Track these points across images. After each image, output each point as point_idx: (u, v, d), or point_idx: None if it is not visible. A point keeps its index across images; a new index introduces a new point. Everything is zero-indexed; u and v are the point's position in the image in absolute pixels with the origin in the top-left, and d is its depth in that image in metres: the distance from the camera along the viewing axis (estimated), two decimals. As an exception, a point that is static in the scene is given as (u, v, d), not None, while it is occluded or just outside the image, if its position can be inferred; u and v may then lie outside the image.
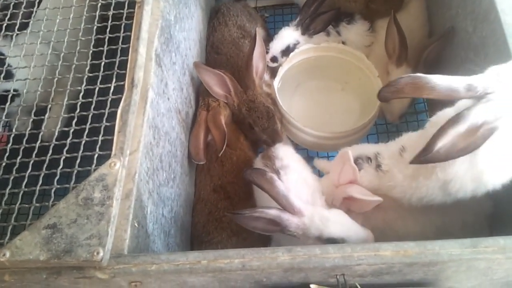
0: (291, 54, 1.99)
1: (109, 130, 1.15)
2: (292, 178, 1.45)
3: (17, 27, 1.38)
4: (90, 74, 1.28)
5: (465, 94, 1.11)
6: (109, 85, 1.22)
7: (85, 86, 1.25)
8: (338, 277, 1.03)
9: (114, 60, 1.27)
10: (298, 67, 2.03)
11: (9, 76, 1.35)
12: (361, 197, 1.35)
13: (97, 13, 1.39)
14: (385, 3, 2.00)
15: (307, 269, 1.00)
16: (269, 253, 1.00)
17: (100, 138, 1.15)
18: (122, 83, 1.22)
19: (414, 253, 0.98)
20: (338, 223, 1.28)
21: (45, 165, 1.14)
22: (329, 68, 2.02)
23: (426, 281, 1.07)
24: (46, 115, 1.30)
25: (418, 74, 1.15)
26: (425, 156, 1.11)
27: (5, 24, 1.40)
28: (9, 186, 1.12)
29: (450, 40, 1.70)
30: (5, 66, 1.36)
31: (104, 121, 1.17)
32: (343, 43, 2.03)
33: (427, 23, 1.96)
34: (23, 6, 1.42)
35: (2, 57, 1.44)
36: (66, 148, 1.15)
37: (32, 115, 1.26)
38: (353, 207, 1.40)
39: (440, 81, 1.12)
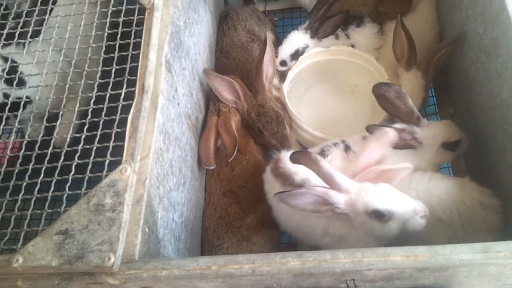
0: (300, 58, 1.99)
1: (120, 136, 1.16)
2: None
3: (29, 34, 1.40)
4: (101, 81, 1.29)
5: None
6: (120, 91, 1.23)
7: (96, 92, 1.26)
8: (348, 282, 1.03)
9: (124, 66, 1.28)
10: (307, 71, 2.04)
11: (21, 83, 1.37)
12: (393, 166, 1.37)
13: (108, 20, 1.40)
14: (394, 5, 1.99)
15: (317, 274, 1.00)
16: (279, 258, 1.00)
17: (111, 144, 1.16)
18: (132, 89, 1.22)
19: (424, 258, 0.97)
20: (383, 194, 1.27)
21: (57, 171, 1.15)
22: (339, 72, 2.02)
23: (438, 286, 1.06)
24: (58, 122, 1.31)
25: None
26: None
27: (18, 32, 1.41)
28: (22, 192, 1.13)
29: (460, 44, 1.69)
30: (17, 74, 1.38)
31: (115, 127, 1.18)
32: (352, 46, 2.03)
33: (436, 25, 1.95)
34: (35, 14, 1.43)
35: (14, 64, 1.46)
36: (77, 154, 1.16)
37: (44, 122, 1.27)
38: None
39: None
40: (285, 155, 1.57)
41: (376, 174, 1.39)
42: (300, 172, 1.48)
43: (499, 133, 1.45)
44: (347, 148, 1.60)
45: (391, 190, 1.29)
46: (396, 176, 1.38)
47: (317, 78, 2.04)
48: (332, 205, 1.28)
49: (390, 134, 1.45)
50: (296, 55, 1.98)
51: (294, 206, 1.29)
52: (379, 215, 1.26)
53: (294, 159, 1.35)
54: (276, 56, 1.95)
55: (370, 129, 1.56)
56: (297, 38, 1.99)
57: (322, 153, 1.62)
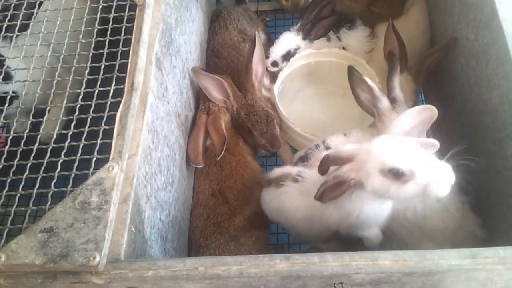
0: (292, 59, 1.99)
1: (108, 134, 1.15)
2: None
3: (17, 28, 1.37)
4: (90, 77, 1.27)
5: None
6: (109, 88, 1.21)
7: (85, 88, 1.24)
8: (336, 285, 1.02)
9: (114, 63, 1.26)
10: (298, 72, 2.03)
11: (8, 77, 1.34)
12: (420, 139, 1.23)
13: (98, 15, 1.38)
14: (386, 7, 1.99)
15: (305, 277, 1.00)
16: (267, 260, 0.99)
17: (99, 141, 1.14)
18: (121, 86, 1.21)
19: (413, 262, 0.97)
20: (404, 150, 1.11)
21: (42, 168, 1.13)
22: (330, 74, 2.02)
23: (425, 291, 1.06)
24: (45, 117, 1.28)
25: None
26: None
27: (5, 25, 1.39)
28: (6, 188, 1.11)
29: (451, 49, 1.69)
30: (4, 68, 1.35)
31: (103, 124, 1.16)
32: (344, 48, 2.04)
33: (428, 30, 1.96)
34: (24, 7, 1.41)
35: (1, 58, 1.43)
36: (64, 151, 1.14)
37: (31, 117, 1.25)
38: None
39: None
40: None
41: None
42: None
43: (488, 139, 1.45)
44: (327, 148, 1.61)
45: (414, 145, 1.12)
46: None
47: (308, 79, 2.04)
48: (348, 183, 1.17)
49: (435, 111, 1.31)
50: (287, 56, 1.98)
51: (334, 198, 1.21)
52: (397, 174, 1.10)
53: (322, 169, 1.26)
54: (268, 57, 1.95)
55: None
56: (289, 39, 1.99)
57: (306, 157, 1.64)
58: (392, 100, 1.56)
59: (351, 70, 1.63)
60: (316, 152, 1.63)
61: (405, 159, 1.10)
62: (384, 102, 1.55)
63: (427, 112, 1.36)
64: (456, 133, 1.64)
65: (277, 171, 1.55)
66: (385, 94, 1.57)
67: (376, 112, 1.57)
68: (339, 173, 1.19)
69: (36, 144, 1.18)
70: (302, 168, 1.51)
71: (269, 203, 1.55)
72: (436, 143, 1.25)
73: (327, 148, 1.61)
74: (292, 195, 1.45)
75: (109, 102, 1.19)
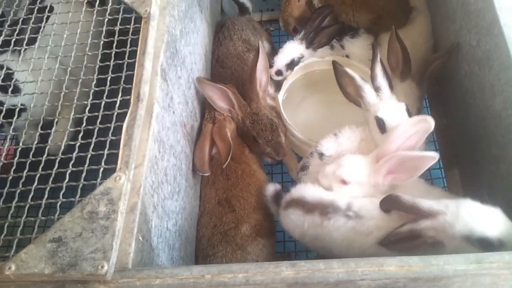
0: (296, 68, 2.00)
1: (115, 144, 1.16)
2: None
3: (25, 42, 1.40)
4: (97, 89, 1.29)
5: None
6: (115, 99, 1.23)
7: (92, 100, 1.26)
8: (342, 292, 1.02)
9: (120, 74, 1.28)
10: (302, 81, 2.05)
11: (16, 90, 1.37)
12: (420, 153, 1.32)
13: (104, 28, 1.40)
14: (392, 20, 1.99)
15: (311, 284, 1.00)
16: (273, 267, 1.00)
17: (106, 152, 1.16)
18: (128, 97, 1.23)
19: (418, 268, 0.97)
20: (493, 219, 1.12)
21: (51, 179, 1.15)
22: (334, 82, 2.01)
23: (431, 297, 1.06)
24: (53, 129, 1.31)
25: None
26: None
27: (13, 39, 1.42)
28: (16, 199, 1.13)
29: (454, 56, 1.70)
30: (13, 81, 1.38)
31: (109, 135, 1.18)
32: (347, 56, 2.05)
33: (431, 37, 1.96)
34: (32, 21, 1.44)
35: (10, 71, 1.45)
36: (72, 162, 1.16)
37: (39, 129, 1.27)
38: (399, 178, 1.38)
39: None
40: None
41: (399, 161, 1.34)
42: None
43: (492, 144, 1.46)
44: (321, 155, 1.63)
45: (502, 216, 1.13)
46: (423, 165, 1.31)
47: (312, 88, 2.05)
48: (423, 236, 1.18)
49: (431, 122, 1.35)
50: (291, 65, 1.99)
51: (405, 250, 1.20)
52: (484, 243, 1.11)
53: (385, 207, 1.27)
54: (272, 66, 1.96)
55: None
56: (293, 48, 2.00)
57: (305, 167, 1.66)
58: (376, 89, 1.59)
59: (335, 65, 1.67)
60: (311, 160, 1.65)
61: (494, 228, 1.12)
62: (367, 91, 1.59)
63: (422, 124, 1.38)
64: (462, 139, 1.64)
65: (314, 196, 1.44)
66: (368, 83, 1.60)
67: (362, 102, 1.61)
68: (418, 227, 1.18)
69: (45, 155, 1.20)
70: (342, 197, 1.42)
71: (307, 229, 1.44)
72: (435, 156, 1.30)
73: (320, 154, 1.63)
74: (344, 231, 1.36)
75: (115, 113, 1.21)
